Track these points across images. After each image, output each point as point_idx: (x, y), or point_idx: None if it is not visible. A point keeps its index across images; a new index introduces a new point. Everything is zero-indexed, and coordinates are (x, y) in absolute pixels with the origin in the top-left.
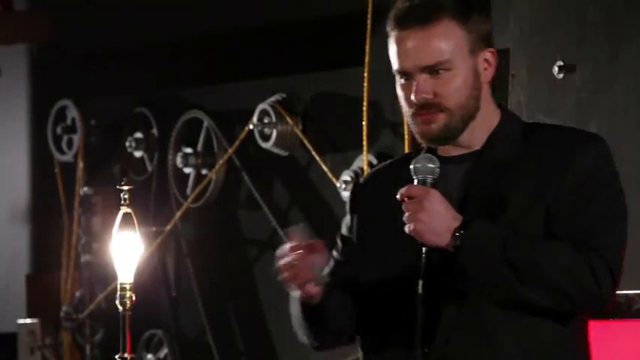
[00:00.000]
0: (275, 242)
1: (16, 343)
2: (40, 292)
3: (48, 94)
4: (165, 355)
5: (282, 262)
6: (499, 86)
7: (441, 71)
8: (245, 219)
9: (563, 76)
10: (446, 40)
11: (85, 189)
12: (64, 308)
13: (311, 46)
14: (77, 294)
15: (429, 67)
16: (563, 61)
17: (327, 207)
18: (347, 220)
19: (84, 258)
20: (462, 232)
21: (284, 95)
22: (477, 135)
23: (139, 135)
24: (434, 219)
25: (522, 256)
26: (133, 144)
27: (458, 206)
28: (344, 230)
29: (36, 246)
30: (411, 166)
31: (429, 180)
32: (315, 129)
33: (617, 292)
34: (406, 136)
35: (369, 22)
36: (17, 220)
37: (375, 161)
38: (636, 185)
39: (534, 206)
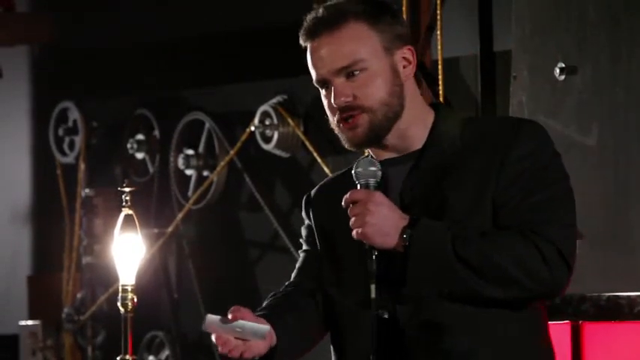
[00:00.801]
0: (276, 243)
1: (18, 344)
2: (42, 293)
3: (49, 96)
4: (167, 357)
5: (221, 349)
6: (501, 88)
7: (356, 72)
8: (246, 220)
9: (565, 78)
10: (355, 41)
11: (87, 190)
12: (65, 310)
13: None
14: (79, 295)
15: (343, 70)
16: (564, 63)
17: None
18: (303, 231)
19: (85, 260)
20: (409, 231)
21: (285, 97)
22: (412, 135)
23: (140, 137)
24: (380, 220)
25: (473, 250)
26: (135, 145)
27: (401, 209)
28: (303, 238)
29: (37, 247)
30: (353, 171)
31: (372, 183)
32: (316, 131)
33: (619, 293)
34: None
35: None
36: (19, 222)
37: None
38: (637, 186)
39: (479, 201)
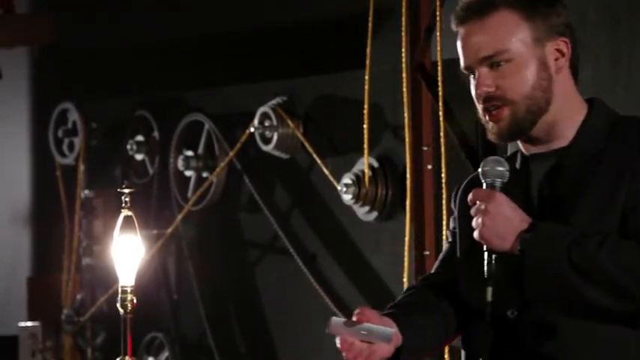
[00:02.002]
0: (276, 244)
1: (18, 345)
2: (42, 295)
3: (49, 97)
4: (166, 358)
5: (346, 355)
6: None
7: (501, 63)
8: (246, 222)
9: None
10: (504, 31)
11: (86, 192)
12: (65, 311)
13: (312, 48)
14: (78, 297)
15: (487, 59)
16: None
17: (328, 210)
18: (450, 222)
19: (85, 261)
20: (526, 235)
21: (285, 98)
22: (559, 131)
23: (140, 138)
24: (498, 223)
25: (589, 258)
26: (134, 147)
27: (535, 205)
28: (449, 230)
29: (37, 249)
30: (480, 169)
31: (498, 183)
32: (316, 132)
33: None
34: (407, 139)
35: (370, 24)
36: (18, 223)
37: (375, 164)
38: None
39: (609, 208)
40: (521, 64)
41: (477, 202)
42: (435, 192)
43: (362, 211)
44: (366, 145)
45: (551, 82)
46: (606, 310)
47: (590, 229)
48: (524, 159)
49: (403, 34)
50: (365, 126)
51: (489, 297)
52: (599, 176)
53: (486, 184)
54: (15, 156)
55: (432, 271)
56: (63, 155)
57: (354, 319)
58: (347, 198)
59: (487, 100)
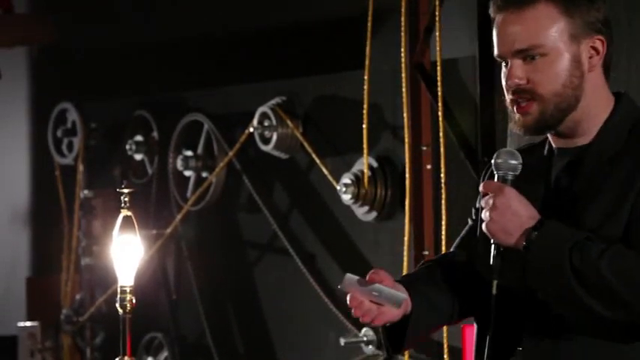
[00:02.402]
0: (275, 244)
1: (17, 346)
2: (41, 295)
3: (48, 97)
4: (166, 358)
5: (354, 312)
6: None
7: (535, 56)
8: (245, 222)
9: None
10: (541, 24)
11: (86, 192)
12: (64, 311)
13: (311, 49)
14: (77, 297)
15: (522, 52)
16: None
17: (327, 210)
18: (478, 201)
19: (84, 261)
20: (533, 233)
21: (284, 98)
22: (584, 128)
23: (139, 138)
24: (506, 218)
25: (589, 264)
26: (134, 147)
27: (551, 198)
28: (474, 207)
29: (36, 249)
30: (492, 161)
31: (510, 176)
32: (315, 132)
33: None
34: (406, 139)
35: (369, 24)
36: (17, 223)
37: (375, 164)
38: None
39: (616, 211)
40: (555, 60)
41: (488, 194)
42: (434, 192)
43: (361, 211)
44: (365, 145)
45: (583, 79)
46: (602, 317)
47: (598, 230)
48: (550, 150)
49: (402, 34)
50: (364, 126)
51: (494, 290)
52: (613, 178)
53: (498, 177)
54: (14, 156)
55: (452, 249)
56: (62, 155)
57: (368, 278)
58: (346, 198)
59: (517, 92)
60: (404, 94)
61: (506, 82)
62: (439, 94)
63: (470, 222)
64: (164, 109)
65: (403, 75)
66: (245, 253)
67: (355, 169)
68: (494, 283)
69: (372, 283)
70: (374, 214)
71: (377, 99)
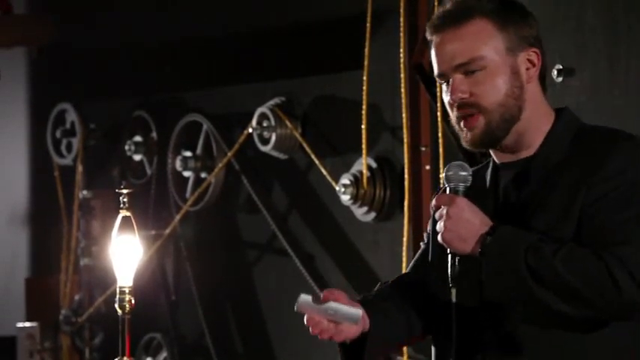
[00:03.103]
0: (274, 245)
1: (16, 346)
2: (40, 295)
3: (47, 98)
4: (165, 359)
5: (311, 330)
6: None
7: (475, 70)
8: (244, 222)
9: (562, 80)
10: (478, 39)
11: (85, 192)
12: (63, 312)
13: (310, 49)
14: (76, 297)
15: (462, 66)
16: (562, 65)
17: (327, 210)
18: (430, 223)
19: (83, 261)
20: (487, 238)
21: (283, 99)
22: (527, 140)
23: (138, 138)
24: (459, 226)
25: (545, 263)
26: (133, 147)
27: (501, 212)
28: (426, 232)
29: (35, 249)
30: (443, 174)
31: (461, 188)
32: (314, 132)
33: None
34: (405, 140)
35: (368, 25)
36: (16, 224)
37: (374, 165)
38: None
39: (566, 216)
40: (495, 72)
41: (441, 206)
42: (433, 192)
43: (360, 212)
44: (364, 146)
45: (523, 90)
46: (561, 314)
47: (550, 234)
48: (495, 167)
49: (401, 34)
50: (363, 126)
51: (454, 298)
52: (559, 186)
53: (450, 189)
54: (13, 156)
55: (407, 270)
56: (61, 156)
57: (322, 297)
58: (345, 198)
59: (461, 106)
60: (403, 95)
61: (450, 97)
62: (438, 94)
63: (422, 246)
64: (163, 109)
65: (402, 75)
66: (244, 253)
67: (354, 169)
68: (453, 291)
69: (326, 301)
70: (373, 214)
71: (376, 99)
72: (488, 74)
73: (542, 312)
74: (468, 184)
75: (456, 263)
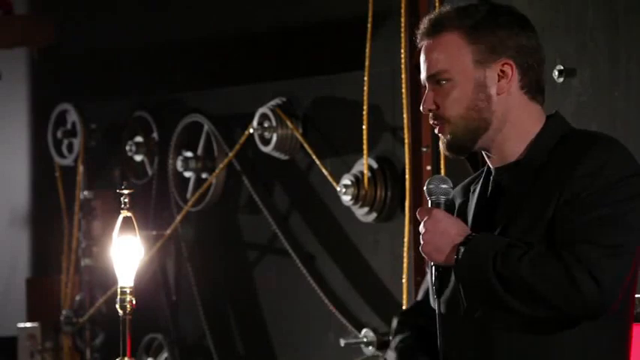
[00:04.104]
0: (275, 246)
1: (16, 347)
2: (41, 295)
3: (48, 98)
4: (165, 359)
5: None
6: None
7: (442, 82)
8: (245, 223)
9: (563, 80)
10: (444, 51)
11: (86, 193)
12: (64, 312)
13: (311, 49)
14: (77, 298)
15: (432, 77)
16: (562, 65)
17: (328, 211)
18: None
19: (84, 262)
20: (461, 247)
21: (284, 99)
22: (509, 148)
23: (139, 139)
24: (436, 238)
25: (509, 266)
26: (134, 148)
27: (485, 217)
28: None
29: (36, 250)
30: (425, 187)
31: (442, 200)
32: (315, 133)
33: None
34: (406, 140)
35: (369, 26)
36: (17, 224)
37: (375, 165)
38: None
39: (539, 220)
40: (458, 85)
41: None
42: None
43: (361, 212)
44: (365, 146)
45: (491, 102)
46: (532, 318)
47: (524, 237)
48: (487, 172)
49: (402, 35)
50: (364, 127)
51: (437, 309)
52: (536, 188)
53: (431, 202)
54: (14, 157)
55: (418, 297)
56: (62, 156)
57: None
58: (346, 199)
59: (432, 116)
60: (404, 95)
61: (421, 106)
62: None
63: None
64: (164, 110)
65: (403, 76)
66: (245, 254)
67: (355, 170)
68: (437, 303)
69: None
70: (374, 215)
71: (377, 100)
72: (452, 87)
73: (523, 320)
74: (450, 197)
75: (439, 275)
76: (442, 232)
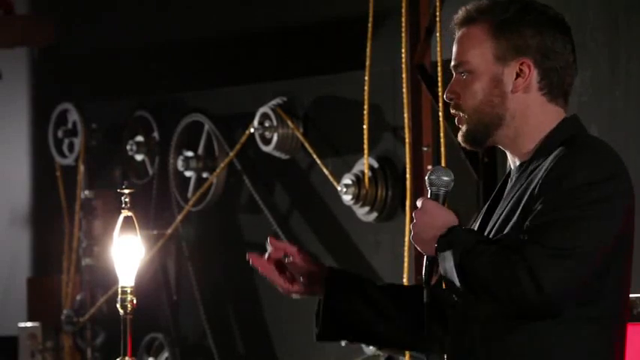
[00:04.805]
0: None
1: (17, 346)
2: (41, 295)
3: (49, 98)
4: (166, 359)
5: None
6: None
7: (464, 73)
8: (246, 222)
9: None
10: (470, 43)
11: (86, 192)
12: (64, 312)
13: (312, 49)
14: (78, 297)
15: (455, 67)
16: None
17: (328, 210)
18: None
19: (85, 261)
20: (440, 239)
21: (285, 99)
22: (521, 146)
23: (139, 138)
24: (421, 228)
25: (470, 262)
26: (134, 147)
27: (488, 214)
28: None
29: (37, 249)
30: (426, 177)
31: (442, 192)
32: (315, 132)
33: None
34: (407, 140)
35: (370, 25)
36: (18, 224)
37: (376, 165)
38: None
39: (514, 211)
40: (476, 78)
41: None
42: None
43: (362, 212)
44: (365, 146)
45: (505, 99)
46: (521, 316)
47: (498, 234)
48: (509, 170)
49: (403, 34)
50: (365, 126)
51: (425, 298)
52: (517, 192)
53: (431, 193)
54: (15, 157)
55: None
56: (63, 156)
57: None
58: (347, 198)
59: (452, 106)
60: (405, 95)
61: (445, 95)
62: (440, 94)
63: None
64: (165, 109)
65: (404, 75)
66: (246, 253)
67: (356, 169)
68: (425, 291)
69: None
70: (374, 214)
71: (377, 99)
72: (472, 79)
73: (502, 313)
74: (449, 189)
75: (430, 265)
76: (427, 224)
